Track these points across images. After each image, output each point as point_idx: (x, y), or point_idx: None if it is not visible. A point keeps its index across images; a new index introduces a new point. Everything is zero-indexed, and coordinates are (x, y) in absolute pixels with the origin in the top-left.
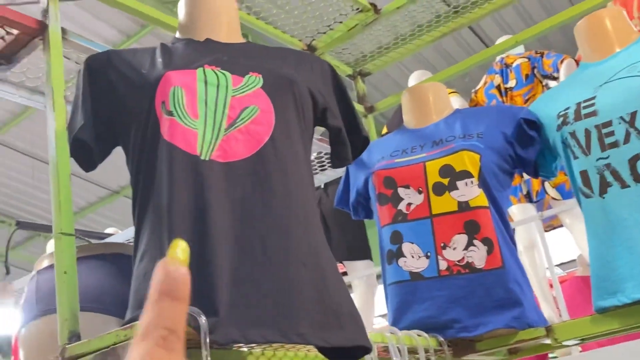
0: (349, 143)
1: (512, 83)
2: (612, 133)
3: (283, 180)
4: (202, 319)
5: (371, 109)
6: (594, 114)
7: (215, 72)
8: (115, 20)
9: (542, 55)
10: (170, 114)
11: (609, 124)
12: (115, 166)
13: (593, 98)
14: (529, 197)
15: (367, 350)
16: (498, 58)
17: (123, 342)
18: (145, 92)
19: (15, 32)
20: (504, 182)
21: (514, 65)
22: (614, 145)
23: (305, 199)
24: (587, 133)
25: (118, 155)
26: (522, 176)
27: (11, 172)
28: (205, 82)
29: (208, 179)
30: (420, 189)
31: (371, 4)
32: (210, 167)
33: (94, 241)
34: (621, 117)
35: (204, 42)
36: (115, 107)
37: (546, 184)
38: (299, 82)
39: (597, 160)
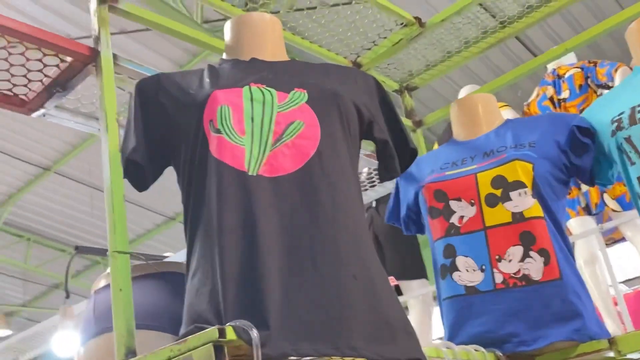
0: (397, 156)
1: (565, 94)
2: None
3: (330, 193)
4: (254, 333)
5: (419, 123)
6: None
7: (260, 90)
8: (166, 50)
9: (595, 64)
10: (218, 131)
11: None
12: (170, 192)
13: None
14: (587, 210)
15: None
16: (550, 69)
17: (177, 356)
18: (193, 112)
19: (69, 59)
20: (559, 191)
21: (567, 76)
22: None
23: (353, 211)
24: None
25: (172, 181)
26: (580, 188)
27: (70, 202)
28: (251, 100)
29: (256, 194)
30: (473, 201)
31: (415, 17)
32: (257, 182)
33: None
34: None
35: (250, 61)
36: (166, 127)
37: (605, 195)
38: (343, 96)
39: None
